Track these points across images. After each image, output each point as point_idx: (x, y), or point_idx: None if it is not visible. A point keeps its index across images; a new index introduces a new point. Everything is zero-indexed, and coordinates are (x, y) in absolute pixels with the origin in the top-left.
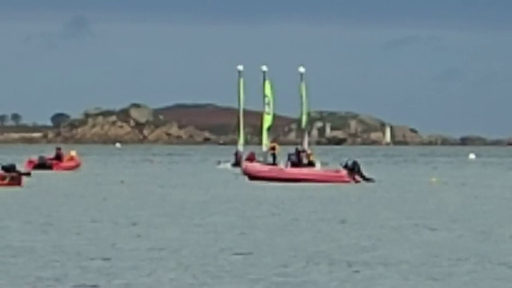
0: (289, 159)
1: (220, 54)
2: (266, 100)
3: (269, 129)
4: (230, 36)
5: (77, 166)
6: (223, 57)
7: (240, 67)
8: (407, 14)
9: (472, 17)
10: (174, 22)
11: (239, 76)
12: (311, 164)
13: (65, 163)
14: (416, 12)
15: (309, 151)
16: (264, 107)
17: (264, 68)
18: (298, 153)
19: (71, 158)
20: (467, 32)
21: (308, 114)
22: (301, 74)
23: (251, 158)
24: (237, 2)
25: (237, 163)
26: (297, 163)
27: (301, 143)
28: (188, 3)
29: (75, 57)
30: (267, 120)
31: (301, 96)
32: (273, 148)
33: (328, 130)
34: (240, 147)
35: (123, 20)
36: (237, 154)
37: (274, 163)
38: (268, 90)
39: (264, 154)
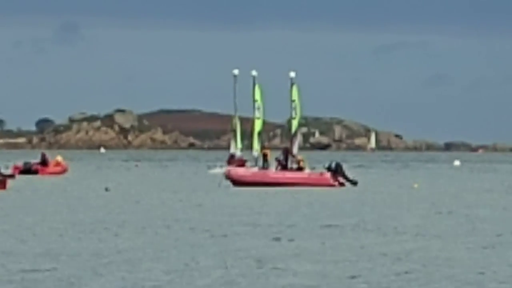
0: (279, 163)
1: (205, 60)
2: (256, 105)
3: (259, 134)
4: (215, 42)
5: (63, 171)
6: (208, 63)
7: (236, 72)
8: (397, 19)
9: (462, 23)
10: (161, 28)
11: (235, 81)
12: (300, 169)
13: (51, 168)
14: (406, 18)
15: (299, 157)
16: (254, 112)
17: (254, 73)
18: (286, 152)
19: (58, 163)
20: (457, 38)
21: (294, 118)
22: (291, 79)
23: (240, 163)
24: (224, 9)
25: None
26: (285, 163)
27: (291, 149)
28: (176, 10)
29: (61, 63)
30: (258, 125)
31: (293, 101)
32: (265, 154)
33: (317, 134)
34: (238, 151)
35: (112, 26)
36: (232, 158)
37: (265, 167)
38: (258, 95)
39: (256, 159)
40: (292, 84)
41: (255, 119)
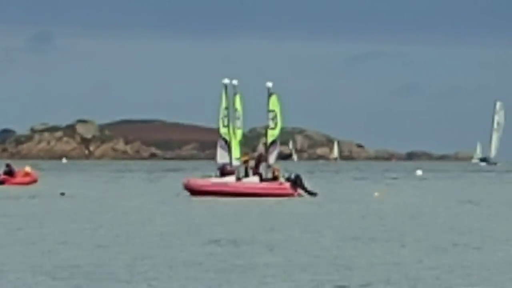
0: (254, 172)
1: (169, 70)
2: (237, 114)
3: (240, 143)
4: (180, 52)
5: (33, 181)
6: (172, 73)
7: (227, 81)
8: (371, 29)
9: (435, 33)
10: (129, 38)
11: (225, 90)
12: (275, 178)
13: (19, 179)
14: (380, 28)
15: (275, 166)
16: (235, 122)
17: (235, 82)
18: (258, 159)
19: (27, 174)
20: (429, 48)
21: (273, 128)
22: (268, 89)
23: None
24: (192, 19)
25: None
26: (258, 169)
27: (267, 157)
28: (145, 20)
29: (28, 73)
30: (238, 135)
31: (271, 111)
32: (246, 161)
33: (291, 145)
34: (234, 161)
35: (82, 36)
36: (225, 168)
37: (246, 176)
38: (238, 105)
39: (238, 168)
40: (270, 94)
41: (235, 129)
